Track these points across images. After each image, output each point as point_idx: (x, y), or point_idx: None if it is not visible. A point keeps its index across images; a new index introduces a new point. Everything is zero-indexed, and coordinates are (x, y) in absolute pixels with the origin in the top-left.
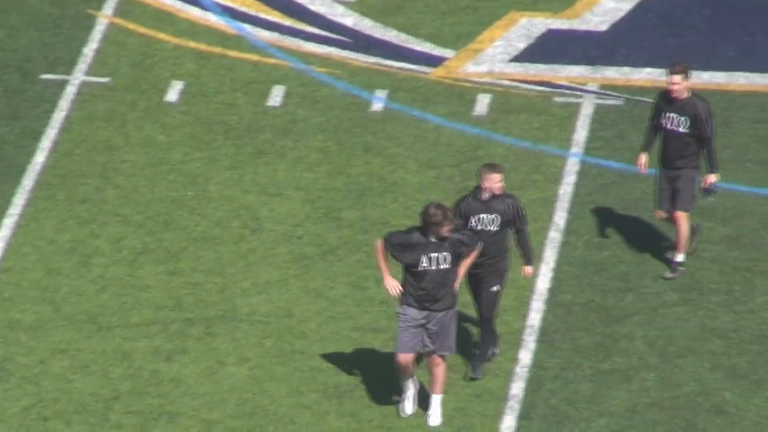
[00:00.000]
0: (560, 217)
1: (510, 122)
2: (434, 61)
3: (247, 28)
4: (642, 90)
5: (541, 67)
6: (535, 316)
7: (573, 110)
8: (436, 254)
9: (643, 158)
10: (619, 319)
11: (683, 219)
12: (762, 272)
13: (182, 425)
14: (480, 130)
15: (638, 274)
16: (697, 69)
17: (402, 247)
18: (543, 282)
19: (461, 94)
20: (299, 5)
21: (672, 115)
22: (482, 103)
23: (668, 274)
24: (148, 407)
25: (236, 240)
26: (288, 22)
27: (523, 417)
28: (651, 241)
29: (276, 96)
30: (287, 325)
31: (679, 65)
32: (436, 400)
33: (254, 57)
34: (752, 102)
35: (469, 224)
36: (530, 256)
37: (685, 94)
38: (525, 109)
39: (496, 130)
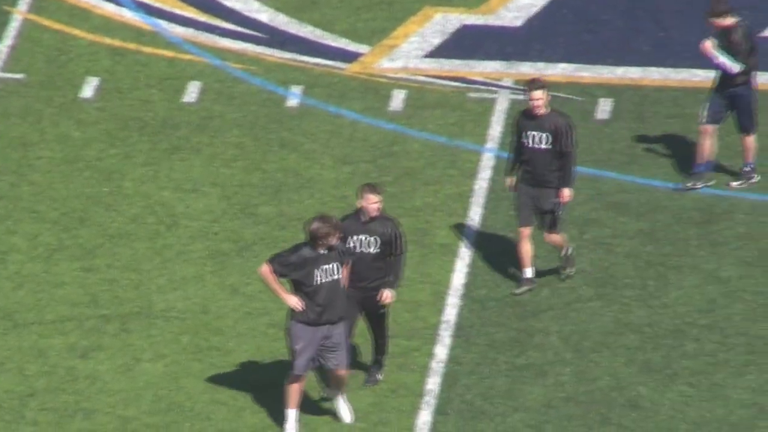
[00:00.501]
0: (476, 213)
1: (425, 118)
2: (349, 57)
3: (163, 24)
4: (557, 85)
5: (456, 62)
6: (450, 312)
7: (488, 106)
8: (327, 266)
9: (508, 181)
10: (534, 314)
11: (557, 238)
12: (676, 267)
13: (98, 422)
14: (395, 126)
15: (553, 269)
16: (611, 64)
17: (295, 266)
18: (458, 277)
19: (376, 89)
20: (214, 1)
21: (533, 132)
22: (397, 99)
23: (565, 272)
24: (64, 404)
25: (152, 236)
26: (203, 18)
27: (439, 412)
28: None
29: (191, 92)
30: (203, 321)
31: (537, 81)
32: (342, 399)
33: (169, 53)
34: (666, 97)
35: (347, 245)
36: (395, 282)
37: (544, 110)
38: (440, 105)
39: (411, 125)
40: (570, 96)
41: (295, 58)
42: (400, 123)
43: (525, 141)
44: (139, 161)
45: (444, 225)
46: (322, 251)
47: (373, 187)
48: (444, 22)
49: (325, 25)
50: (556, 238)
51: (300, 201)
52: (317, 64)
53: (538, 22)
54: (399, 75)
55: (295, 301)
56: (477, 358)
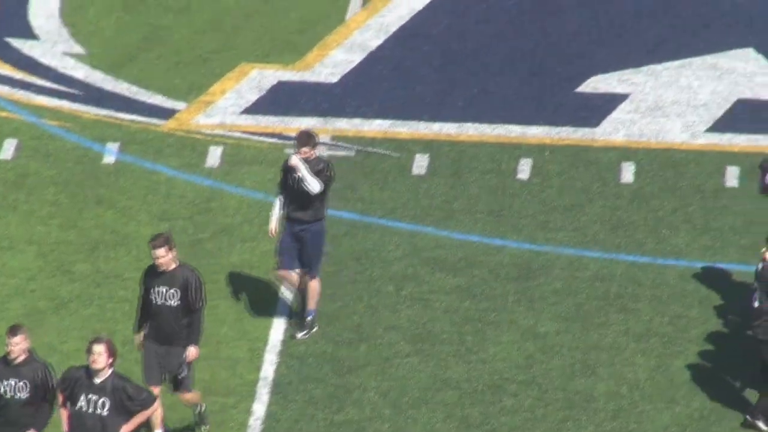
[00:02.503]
0: None
1: (242, 174)
2: (166, 113)
3: None
4: (373, 141)
5: (273, 119)
6: (268, 368)
7: None
8: (95, 397)
9: (137, 339)
10: (352, 370)
11: (189, 396)
12: (493, 322)
13: None
14: (213, 182)
15: (371, 324)
16: (427, 120)
17: (64, 383)
18: (276, 333)
19: (193, 146)
20: (30, 58)
21: (161, 288)
22: (214, 155)
23: None
24: None
25: None
26: (19, 75)
27: None
28: (383, 293)
29: (7, 149)
30: None
31: (160, 237)
32: None
33: None
34: (482, 152)
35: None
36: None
37: (173, 265)
38: (257, 161)
39: (228, 181)
40: (387, 152)
41: (111, 114)
42: (217, 179)
43: (153, 297)
44: None
45: (262, 281)
46: (96, 380)
47: (15, 328)
48: (260, 78)
49: (141, 81)
50: (187, 396)
51: (117, 258)
52: (133, 121)
53: (353, 78)
54: (216, 131)
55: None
56: (295, 414)
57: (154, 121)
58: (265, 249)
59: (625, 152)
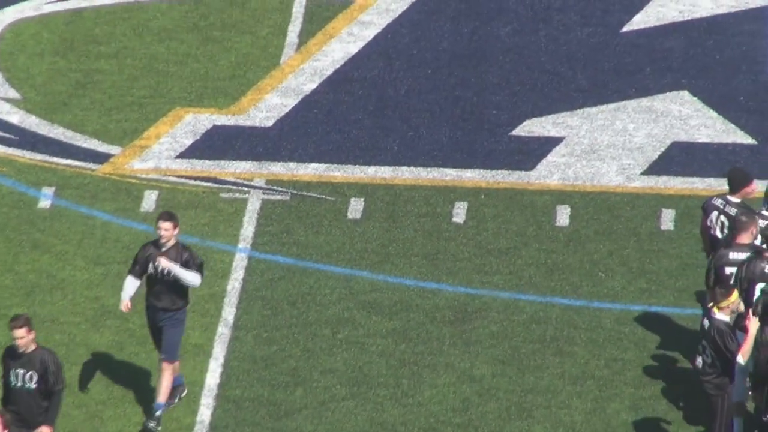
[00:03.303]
0: (229, 313)
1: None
2: (101, 158)
3: None
4: (308, 185)
5: (208, 163)
6: (205, 412)
7: (240, 206)
8: None
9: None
10: (288, 414)
11: None
12: (429, 365)
13: None
14: (148, 226)
15: (307, 368)
16: (362, 164)
17: None
18: (212, 378)
19: (128, 190)
20: None
21: (20, 371)
22: (149, 199)
23: None
24: None
25: None
26: None
27: None
28: (319, 336)
29: None
30: None
31: (21, 318)
32: None
33: None
34: (417, 196)
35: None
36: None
37: (33, 347)
38: (192, 205)
39: None
40: (322, 196)
41: (46, 159)
42: (152, 223)
43: (11, 379)
44: None
45: (197, 326)
46: None
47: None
48: (195, 122)
49: (76, 126)
50: None
51: (53, 303)
52: (69, 165)
53: (288, 121)
54: (151, 175)
55: None
56: None
57: (90, 165)
58: (201, 293)
59: (561, 195)
